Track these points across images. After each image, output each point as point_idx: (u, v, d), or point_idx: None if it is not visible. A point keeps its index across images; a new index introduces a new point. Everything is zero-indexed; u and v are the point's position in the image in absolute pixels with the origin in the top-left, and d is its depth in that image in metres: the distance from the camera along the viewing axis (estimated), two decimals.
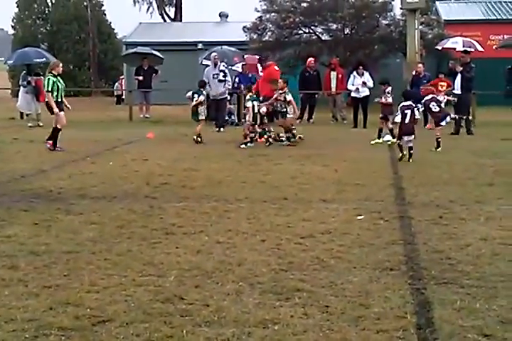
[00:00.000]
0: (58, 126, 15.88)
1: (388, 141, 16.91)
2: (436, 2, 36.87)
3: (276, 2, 31.19)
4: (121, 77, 36.90)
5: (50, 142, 15.79)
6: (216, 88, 21.78)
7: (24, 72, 24.13)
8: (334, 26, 30.91)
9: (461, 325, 5.02)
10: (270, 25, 31.22)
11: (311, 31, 31.28)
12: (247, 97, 17.29)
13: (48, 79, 15.91)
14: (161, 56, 27.26)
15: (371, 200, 9.77)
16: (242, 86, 21.75)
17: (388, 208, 9.24)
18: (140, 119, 25.18)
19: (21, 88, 23.61)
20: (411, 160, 13.72)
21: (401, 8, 26.86)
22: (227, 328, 4.99)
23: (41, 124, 22.36)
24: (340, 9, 29.64)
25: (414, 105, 14.39)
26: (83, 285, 5.94)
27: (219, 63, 22.15)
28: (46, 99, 16.06)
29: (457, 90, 19.99)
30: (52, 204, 9.52)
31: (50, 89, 15.81)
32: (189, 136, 18.13)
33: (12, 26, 48.53)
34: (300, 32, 31.38)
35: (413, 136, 14.00)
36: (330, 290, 5.81)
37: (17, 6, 47.98)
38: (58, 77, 16.17)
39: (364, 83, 22.20)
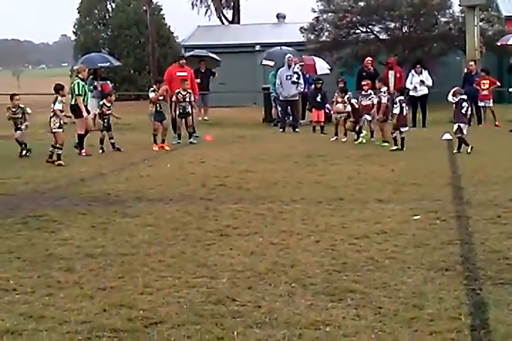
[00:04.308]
0: (81, 132, 15.92)
1: (448, 139, 16.63)
2: None
3: (334, 2, 31.07)
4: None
5: (83, 151, 15.82)
6: (289, 89, 21.31)
7: (91, 76, 24.37)
8: (392, 25, 30.63)
9: None
10: (327, 26, 31.13)
11: (369, 30, 31.07)
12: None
13: (78, 83, 15.88)
14: (218, 58, 27.32)
15: (428, 200, 9.64)
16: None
17: (445, 208, 9.10)
18: (198, 122, 25.23)
19: (88, 93, 23.90)
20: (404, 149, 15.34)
21: (460, 5, 26.46)
22: (278, 330, 4.97)
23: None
24: (398, 7, 29.38)
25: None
26: (137, 287, 5.99)
27: (293, 65, 21.56)
28: (73, 103, 15.95)
29: None
30: (110, 207, 9.64)
31: (80, 92, 15.83)
32: (246, 137, 18.18)
33: (74, 32, 49.51)
34: (357, 31, 31.20)
35: (407, 128, 15.88)
36: (383, 291, 5.75)
37: (78, 12, 48.90)
38: (84, 81, 16.30)
39: (422, 81, 21.95)
